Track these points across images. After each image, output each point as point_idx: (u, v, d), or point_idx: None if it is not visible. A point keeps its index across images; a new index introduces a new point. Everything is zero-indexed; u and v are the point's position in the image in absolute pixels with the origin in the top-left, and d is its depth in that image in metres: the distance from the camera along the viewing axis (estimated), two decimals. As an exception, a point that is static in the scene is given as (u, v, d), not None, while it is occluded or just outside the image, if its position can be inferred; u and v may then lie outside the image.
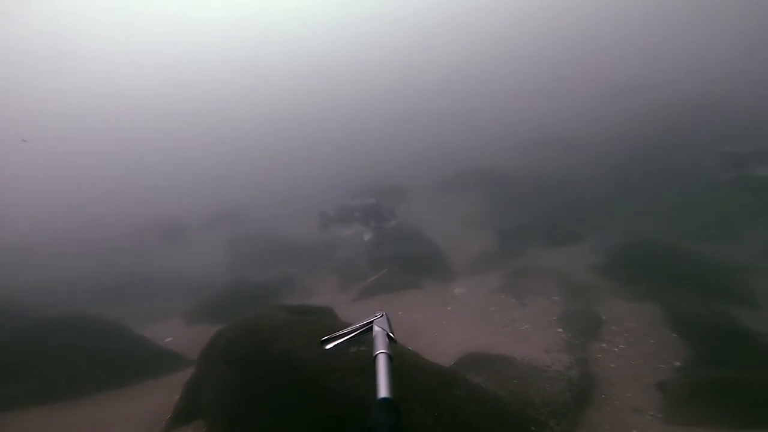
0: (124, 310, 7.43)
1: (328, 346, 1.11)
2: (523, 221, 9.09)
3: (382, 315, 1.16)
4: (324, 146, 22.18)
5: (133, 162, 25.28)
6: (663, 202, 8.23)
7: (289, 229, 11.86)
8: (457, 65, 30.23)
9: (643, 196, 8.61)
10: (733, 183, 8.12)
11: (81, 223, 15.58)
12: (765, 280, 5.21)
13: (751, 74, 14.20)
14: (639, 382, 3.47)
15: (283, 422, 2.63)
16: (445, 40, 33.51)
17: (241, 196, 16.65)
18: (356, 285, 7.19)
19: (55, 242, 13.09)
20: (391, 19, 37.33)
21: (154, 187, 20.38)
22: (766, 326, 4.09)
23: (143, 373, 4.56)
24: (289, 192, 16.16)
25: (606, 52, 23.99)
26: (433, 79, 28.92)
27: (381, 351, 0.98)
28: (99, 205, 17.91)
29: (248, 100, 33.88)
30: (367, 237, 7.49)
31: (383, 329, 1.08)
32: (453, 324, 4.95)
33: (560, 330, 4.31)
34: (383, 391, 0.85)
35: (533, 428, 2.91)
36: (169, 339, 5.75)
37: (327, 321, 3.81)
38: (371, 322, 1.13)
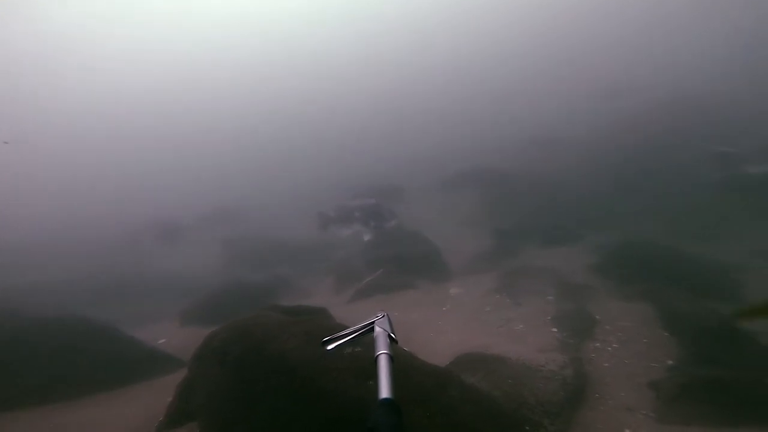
0: (118, 311, 7.37)
1: (329, 347, 1.11)
2: (519, 221, 9.13)
3: (384, 315, 1.16)
4: (321, 146, 22.15)
5: (129, 162, 25.05)
6: (657, 202, 8.31)
7: (286, 230, 11.82)
8: (455, 65, 30.38)
9: (637, 196, 8.68)
10: (726, 182, 8.24)
11: (75, 223, 15.40)
12: (755, 279, 5.28)
13: (746, 74, 14.39)
14: (632, 381, 3.50)
15: (278, 424, 2.61)
16: (443, 41, 33.66)
17: (238, 197, 16.56)
18: (352, 286, 7.17)
19: (48, 243, 12.92)
20: (390, 19, 37.41)
21: (151, 187, 20.20)
22: (755, 325, 4.15)
23: (136, 374, 4.52)
24: (286, 192, 16.10)
25: (602, 53, 24.22)
26: (431, 79, 29.05)
27: (382, 352, 0.98)
28: (94, 205, 17.73)
29: (247, 99, 33.77)
30: (366, 237, 7.48)
31: (384, 330, 1.08)
32: (448, 324, 4.96)
33: (555, 330, 4.34)
34: (384, 391, 0.85)
35: (527, 428, 2.92)
36: (163, 340, 5.69)
37: (322, 322, 3.80)
38: (372, 322, 1.13)
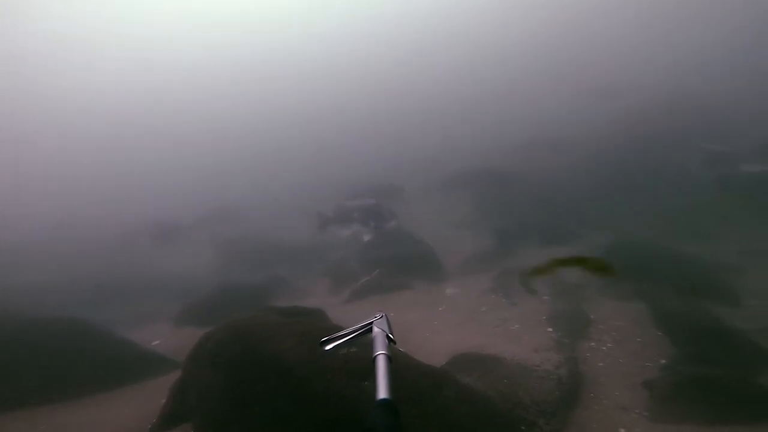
0: (114, 312, 7.33)
1: (328, 347, 1.11)
2: (515, 221, 9.16)
3: (382, 316, 1.15)
4: (320, 146, 22.10)
5: (128, 161, 24.84)
6: (653, 202, 8.37)
7: (283, 230, 11.78)
8: (455, 65, 30.48)
9: (633, 196, 8.73)
10: (722, 182, 8.32)
11: (72, 223, 15.23)
12: (747, 278, 5.35)
13: (743, 74, 14.55)
14: (626, 380, 3.53)
15: (272, 425, 2.59)
16: (443, 41, 33.76)
17: (237, 197, 16.46)
18: (348, 286, 7.15)
19: (45, 243, 12.78)
20: (390, 19, 37.49)
21: (149, 187, 20.04)
22: (747, 324, 4.20)
23: (130, 376, 4.48)
24: (285, 192, 16.03)
25: (600, 53, 24.39)
26: (430, 79, 29.11)
27: (380, 352, 0.98)
28: (91, 205, 17.56)
29: (246, 99, 33.63)
30: (366, 238, 7.45)
31: (383, 330, 1.08)
32: (444, 324, 4.97)
33: (550, 329, 4.36)
34: (382, 392, 0.85)
35: (523, 428, 2.93)
36: (157, 342, 5.65)
37: (317, 323, 3.79)
38: (371, 323, 1.13)
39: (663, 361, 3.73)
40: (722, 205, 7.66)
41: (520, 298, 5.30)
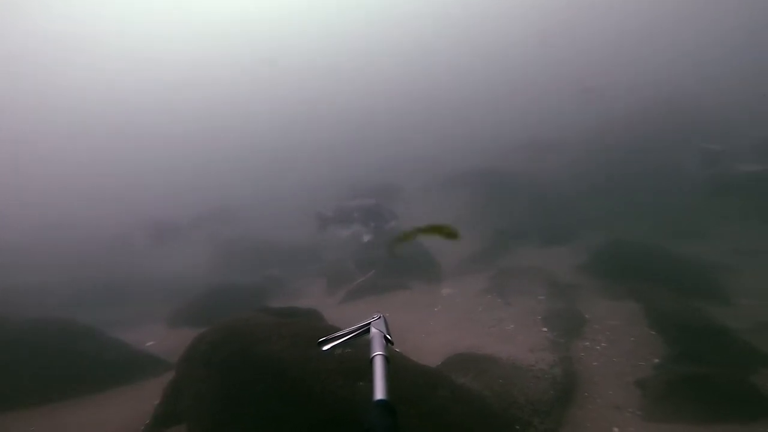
0: (108, 313, 7.27)
1: (325, 348, 1.11)
2: (511, 221, 9.20)
3: (380, 317, 1.15)
4: (319, 146, 22.05)
5: (126, 161, 24.62)
6: (648, 202, 8.43)
7: (280, 230, 11.74)
8: (454, 66, 30.58)
9: (629, 196, 8.79)
10: (716, 181, 8.39)
11: (68, 224, 15.06)
12: (740, 278, 5.42)
13: (738, 74, 14.73)
14: (620, 379, 3.55)
15: (266, 426, 2.57)
16: (442, 41, 33.84)
17: (235, 197, 16.36)
18: (343, 287, 7.14)
19: (41, 243, 12.61)
20: (389, 19, 37.54)
21: (147, 187, 19.87)
22: (738, 323, 4.25)
23: (123, 377, 4.44)
24: (283, 192, 15.97)
25: (596, 53, 24.59)
26: (429, 79, 29.18)
27: (378, 353, 0.98)
28: (88, 205, 17.37)
29: (245, 98, 33.50)
30: (366, 238, 7.41)
31: (380, 331, 1.08)
32: (440, 325, 4.97)
33: (545, 329, 4.38)
34: (380, 392, 0.86)
35: (518, 427, 2.94)
36: (151, 343, 5.59)
37: (312, 323, 3.77)
38: (368, 323, 1.13)
39: (656, 361, 3.76)
40: (718, 205, 7.73)
41: (516, 298, 5.32)
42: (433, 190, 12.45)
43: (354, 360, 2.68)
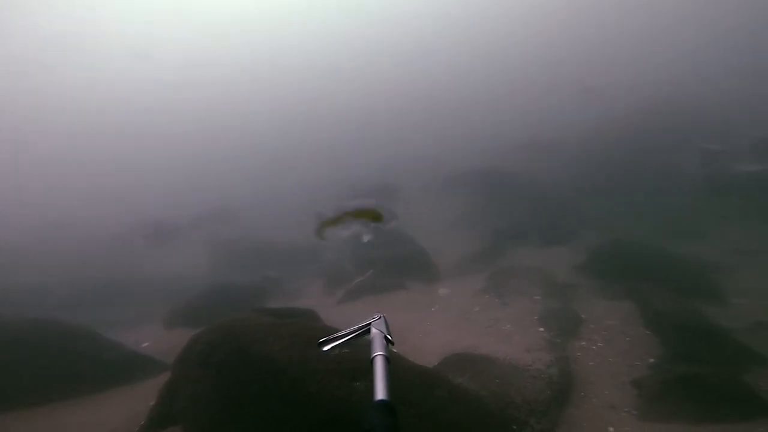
0: (104, 314, 7.25)
1: (326, 348, 1.11)
2: (509, 221, 9.22)
3: (380, 317, 1.16)
4: (315, 147, 22.00)
5: (124, 161, 24.46)
6: (647, 202, 8.42)
7: (279, 231, 11.71)
8: (452, 66, 30.60)
9: (627, 196, 8.79)
10: (714, 181, 8.38)
11: (65, 224, 14.95)
12: (733, 278, 5.45)
13: (737, 75, 14.78)
14: (616, 379, 3.57)
15: (263, 426, 2.57)
16: (441, 42, 33.88)
17: (234, 197, 16.29)
18: (341, 287, 7.13)
19: (37, 243, 12.52)
20: (389, 20, 37.55)
21: (145, 187, 19.74)
22: (733, 323, 4.28)
23: (118, 378, 4.42)
24: (282, 192, 15.90)
25: (595, 54, 24.63)
26: (427, 80, 29.19)
27: (378, 353, 0.99)
28: (86, 205, 17.24)
29: (244, 98, 33.39)
30: (366, 238, 7.41)
31: (381, 331, 1.08)
32: (437, 325, 4.98)
33: (541, 329, 4.39)
34: (380, 393, 0.86)
35: (514, 427, 2.95)
36: (146, 344, 5.56)
37: (310, 324, 3.76)
38: (369, 324, 1.13)
39: (651, 360, 3.78)
40: (716, 205, 7.73)
41: (513, 298, 5.34)
42: (433, 190, 12.46)
43: (351, 360, 2.68)
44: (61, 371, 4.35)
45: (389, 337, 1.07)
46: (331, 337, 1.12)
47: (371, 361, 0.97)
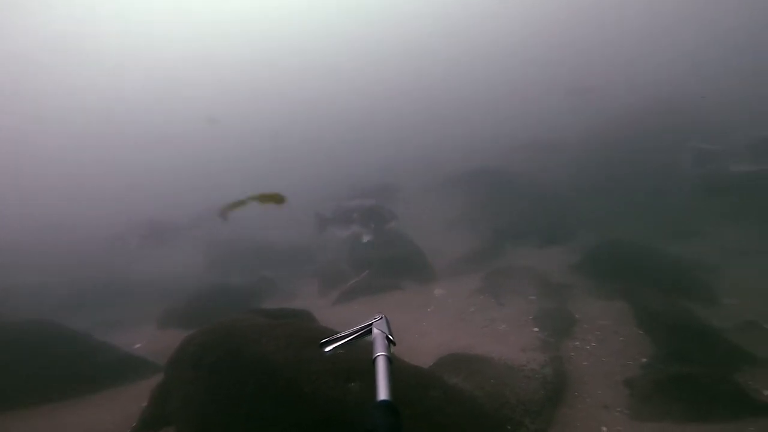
0: (97, 315, 7.20)
1: (327, 349, 1.11)
2: (504, 222, 9.26)
3: (382, 317, 1.16)
4: (312, 147, 21.93)
5: (122, 160, 24.16)
6: (640, 202, 8.49)
7: (274, 231, 11.65)
8: (451, 66, 30.69)
9: (622, 197, 8.84)
10: (708, 181, 8.45)
11: (61, 224, 14.75)
12: (724, 278, 5.52)
13: (730, 75, 14.94)
14: (609, 379, 3.60)
15: (257, 428, 2.55)
16: (439, 41, 33.97)
17: (230, 197, 16.14)
18: (337, 288, 7.12)
19: (34, 244, 12.34)
20: (386, 19, 37.60)
21: (143, 187, 19.51)
22: (725, 323, 4.34)
23: (109, 380, 4.37)
24: (280, 192, 15.77)
25: (593, 54, 24.79)
26: (426, 80, 29.22)
27: (380, 353, 0.99)
28: (82, 205, 17.02)
29: (243, 98, 33.18)
30: (366, 239, 7.39)
31: (382, 332, 1.08)
32: (433, 325, 4.98)
33: (536, 329, 4.42)
34: (383, 393, 0.86)
35: (509, 427, 2.96)
36: (138, 345, 5.50)
37: (305, 324, 3.75)
38: (370, 324, 1.13)
39: (644, 360, 3.82)
40: (709, 205, 7.81)
41: (509, 299, 5.36)
42: (430, 190, 12.47)
43: (346, 361, 2.67)
44: (52, 372, 4.30)
45: (391, 337, 1.07)
46: (332, 337, 1.12)
47: (373, 362, 0.97)
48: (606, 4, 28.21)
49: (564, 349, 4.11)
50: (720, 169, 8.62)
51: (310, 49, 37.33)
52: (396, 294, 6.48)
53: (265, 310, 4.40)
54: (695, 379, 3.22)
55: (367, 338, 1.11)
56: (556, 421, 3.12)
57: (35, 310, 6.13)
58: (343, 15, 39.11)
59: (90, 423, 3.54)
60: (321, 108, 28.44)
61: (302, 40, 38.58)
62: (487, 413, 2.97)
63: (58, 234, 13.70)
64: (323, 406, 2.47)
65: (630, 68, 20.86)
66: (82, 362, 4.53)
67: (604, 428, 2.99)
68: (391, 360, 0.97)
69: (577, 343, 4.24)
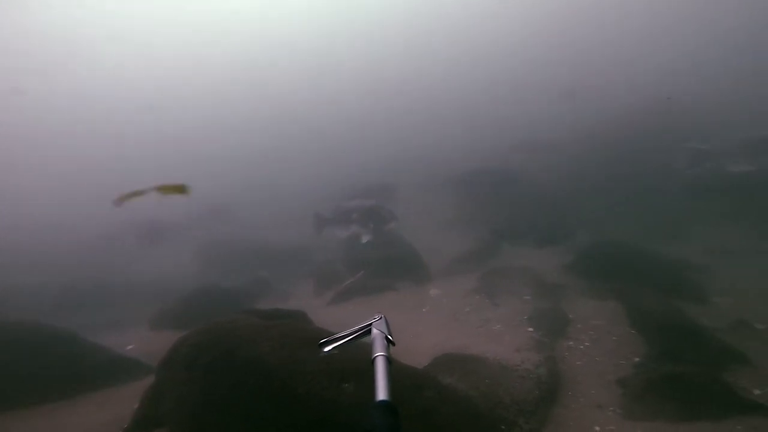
0: (90, 316, 7.10)
1: (326, 349, 1.11)
2: (499, 222, 9.29)
3: (381, 318, 1.16)
4: (314, 147, 21.84)
5: (121, 159, 23.85)
6: (635, 203, 8.53)
7: (271, 231, 11.60)
8: (451, 66, 30.77)
9: (616, 197, 8.91)
10: (702, 182, 8.51)
11: (53, 224, 14.53)
12: (716, 277, 5.59)
13: (727, 75, 15.09)
14: (602, 378, 3.63)
15: (250, 429, 2.54)
16: (438, 41, 34.05)
17: (226, 197, 16.05)
18: (332, 288, 7.10)
19: (32, 244, 12.16)
20: (385, 20, 37.64)
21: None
22: (715, 322, 4.39)
23: (100, 381, 4.33)
24: (279, 192, 15.72)
25: (590, 55, 24.95)
26: (426, 80, 29.26)
27: (379, 354, 0.99)
28: (79, 205, 16.76)
29: (242, 97, 32.99)
30: (365, 239, 7.37)
31: (381, 332, 1.08)
32: (428, 326, 4.99)
33: (530, 329, 4.44)
34: (382, 393, 0.86)
35: (503, 427, 2.97)
36: (130, 347, 5.44)
37: (299, 325, 3.73)
38: (369, 324, 1.13)
39: (636, 359, 3.85)
40: (705, 205, 7.88)
41: (504, 299, 5.38)
42: (428, 190, 12.48)
43: (340, 361, 2.66)
44: (42, 373, 4.24)
45: (390, 337, 1.07)
46: (331, 338, 1.12)
47: (372, 362, 0.97)
48: (606, 4, 28.42)
49: (558, 349, 4.14)
50: (716, 169, 8.66)
51: (310, 49, 37.28)
52: (391, 294, 6.48)
53: (259, 310, 4.38)
54: (687, 379, 3.26)
55: (366, 338, 1.11)
56: (549, 420, 3.14)
57: (25, 311, 6.05)
58: (343, 15, 39.10)
59: (81, 425, 3.49)
60: (321, 108, 28.38)
61: (302, 40, 38.52)
62: (481, 413, 2.97)
63: (53, 234, 13.51)
64: (317, 406, 2.46)
65: (630, 68, 20.99)
66: (73, 363, 4.47)
67: (597, 428, 3.01)
68: (390, 360, 0.97)
69: (571, 342, 4.26)
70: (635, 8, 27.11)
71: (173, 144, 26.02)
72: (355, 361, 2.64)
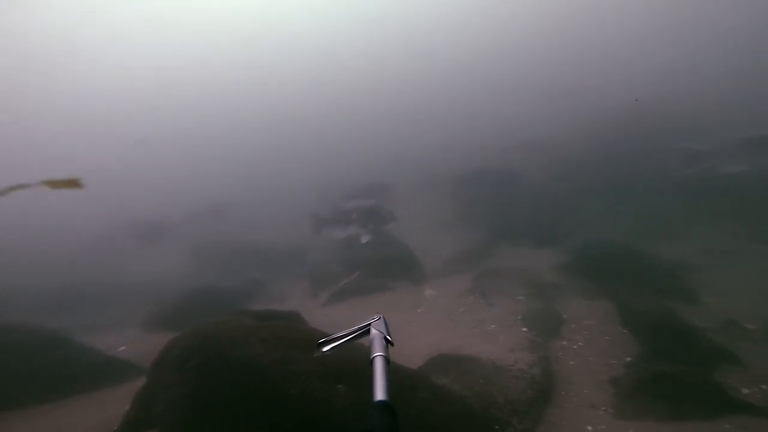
0: (82, 317, 7.04)
1: (325, 349, 1.10)
2: (495, 223, 9.33)
3: (380, 318, 1.15)
4: (313, 147, 21.75)
5: (119, 160, 23.55)
6: (629, 203, 8.59)
7: (269, 232, 11.53)
8: (450, 66, 30.84)
9: (610, 197, 8.98)
10: (697, 182, 8.62)
11: (48, 224, 14.32)
12: (707, 277, 5.66)
13: (723, 76, 15.26)
14: (595, 378, 3.66)
15: (243, 429, 2.52)
16: (437, 42, 34.12)
17: (223, 197, 15.93)
18: (328, 289, 7.08)
19: (29, 244, 11.96)
20: (384, 20, 37.67)
21: (140, 186, 19.06)
22: (706, 322, 4.45)
23: (91, 383, 4.27)
24: (277, 193, 15.64)
25: (587, 56, 25.11)
26: (426, 80, 29.29)
27: (378, 354, 0.99)
28: (76, 204, 16.54)
29: (241, 97, 32.79)
30: (365, 240, 7.35)
31: (380, 332, 1.08)
32: (423, 326, 4.99)
33: (524, 329, 4.46)
34: (380, 393, 0.86)
35: (497, 427, 2.98)
36: (122, 348, 5.37)
37: (294, 326, 3.71)
38: (368, 324, 1.13)
39: (628, 359, 3.89)
40: (698, 205, 7.96)
41: (498, 299, 5.40)
42: (424, 191, 12.49)
43: (334, 363, 2.65)
44: (34, 375, 4.19)
45: (389, 337, 1.07)
46: (330, 338, 1.12)
47: (371, 362, 0.97)
48: (606, 4, 28.64)
49: (552, 348, 4.16)
50: (710, 169, 8.75)
51: (310, 48, 37.20)
52: (387, 295, 6.47)
53: (253, 311, 4.35)
54: (678, 378, 3.29)
55: (365, 339, 1.10)
56: (543, 420, 3.16)
57: (16, 312, 5.95)
58: (343, 14, 39.08)
59: (71, 426, 3.45)
60: (320, 108, 28.30)
61: (302, 40, 38.43)
62: (475, 413, 2.98)
63: (48, 234, 13.33)
64: (311, 407, 2.45)
65: (629, 68, 21.14)
66: (64, 365, 4.42)
67: (590, 427, 3.03)
68: (389, 360, 0.97)
69: (565, 342, 4.29)
70: (635, 8, 27.37)
71: (173, 144, 25.80)
72: (350, 361, 2.64)
